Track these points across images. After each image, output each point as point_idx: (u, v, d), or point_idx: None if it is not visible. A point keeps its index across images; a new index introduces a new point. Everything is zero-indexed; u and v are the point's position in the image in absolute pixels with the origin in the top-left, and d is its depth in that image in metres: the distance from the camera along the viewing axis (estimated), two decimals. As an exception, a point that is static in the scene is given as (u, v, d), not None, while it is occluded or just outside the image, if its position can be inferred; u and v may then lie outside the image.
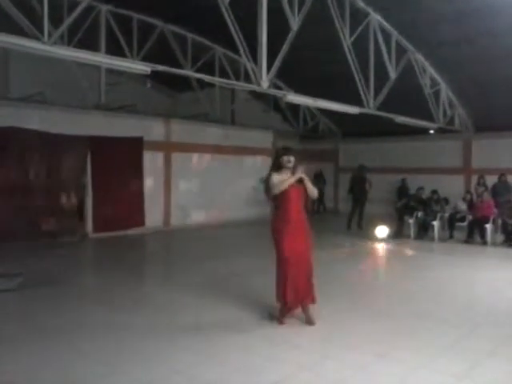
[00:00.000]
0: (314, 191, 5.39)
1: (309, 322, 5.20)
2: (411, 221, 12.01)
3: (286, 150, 5.30)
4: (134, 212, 12.43)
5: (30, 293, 6.51)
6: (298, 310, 5.32)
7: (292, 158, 5.22)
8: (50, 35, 6.38)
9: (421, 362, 4.28)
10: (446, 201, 12.80)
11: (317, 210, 17.77)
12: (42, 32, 6.24)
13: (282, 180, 5.16)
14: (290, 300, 5.17)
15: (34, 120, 10.53)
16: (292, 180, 5.15)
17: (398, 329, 5.17)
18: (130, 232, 12.12)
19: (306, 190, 5.31)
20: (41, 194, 10.73)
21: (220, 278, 7.60)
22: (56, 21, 7.43)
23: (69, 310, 5.81)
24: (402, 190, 15.14)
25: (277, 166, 5.28)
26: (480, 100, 13.63)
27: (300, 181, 5.24)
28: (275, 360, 4.28)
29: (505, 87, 12.47)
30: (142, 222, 12.55)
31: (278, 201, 5.26)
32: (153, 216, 12.87)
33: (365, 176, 13.72)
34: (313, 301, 5.28)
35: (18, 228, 10.27)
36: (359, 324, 5.32)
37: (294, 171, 5.22)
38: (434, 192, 12.61)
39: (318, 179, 17.24)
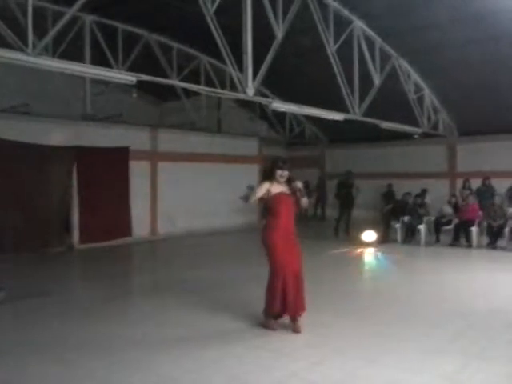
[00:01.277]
0: (306, 202, 5.44)
1: (296, 330, 5.18)
2: (398, 225, 12.11)
3: (282, 164, 5.26)
4: (121, 222, 12.34)
5: (15, 305, 6.43)
6: (285, 318, 5.33)
7: (285, 173, 5.23)
8: (34, 46, 6.37)
9: (409, 365, 4.31)
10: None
11: (313, 215, 17.92)
12: (26, 43, 6.23)
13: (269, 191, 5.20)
14: (279, 310, 5.18)
15: (19, 131, 10.42)
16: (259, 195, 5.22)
17: (385, 333, 5.20)
18: (117, 242, 12.04)
19: (297, 200, 5.34)
20: (26, 205, 10.60)
21: (209, 286, 7.57)
22: (40, 32, 7.43)
23: (55, 322, 5.73)
24: (388, 196, 15.26)
25: (268, 177, 5.28)
26: (463, 105, 13.83)
27: (293, 192, 5.28)
28: (266, 368, 4.28)
29: (487, 92, 12.69)
30: (128, 232, 12.47)
31: (270, 211, 5.27)
32: (140, 225, 12.79)
33: (351, 182, 13.80)
34: (303, 310, 5.28)
35: (3, 240, 10.15)
36: (347, 329, 5.33)
37: (289, 185, 5.27)
38: (418, 196, 12.74)
39: (320, 187, 17.54)
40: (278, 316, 5.30)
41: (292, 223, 5.32)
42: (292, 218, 5.32)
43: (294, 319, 5.24)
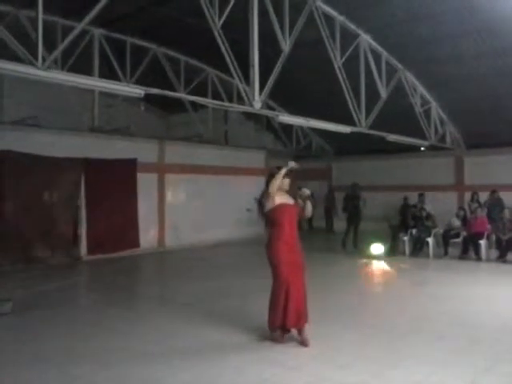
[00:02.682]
0: (310, 211, 5.42)
1: (304, 343, 5.14)
2: (406, 238, 12.04)
3: (288, 173, 5.29)
4: (129, 234, 12.39)
5: (22, 316, 6.45)
6: (293, 331, 5.30)
7: (286, 181, 5.26)
8: (44, 60, 6.44)
9: (416, 379, 4.26)
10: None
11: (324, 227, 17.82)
12: (36, 57, 6.30)
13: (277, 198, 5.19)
14: (280, 323, 5.14)
15: (28, 143, 10.52)
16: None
17: (392, 346, 5.15)
18: (125, 253, 12.06)
19: (301, 209, 5.34)
20: (35, 216, 10.67)
21: (216, 298, 7.55)
22: (50, 45, 7.52)
23: (61, 334, 5.74)
24: (404, 208, 15.13)
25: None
26: (471, 118, 13.82)
27: (297, 200, 5.29)
28: (272, 383, 4.25)
29: (495, 105, 12.68)
30: (136, 244, 12.50)
31: (273, 222, 5.26)
32: (147, 237, 12.84)
33: (358, 194, 13.76)
34: (305, 322, 5.22)
35: (12, 251, 10.21)
36: (353, 342, 5.29)
37: (291, 194, 5.28)
38: (423, 209, 12.69)
39: (329, 199, 17.45)
40: (283, 329, 5.25)
41: (295, 233, 5.30)
42: (295, 228, 5.30)
43: (299, 332, 5.21)
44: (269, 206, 5.25)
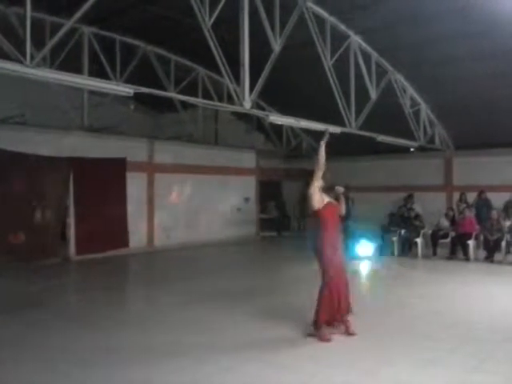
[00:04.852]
0: (344, 209, 5.58)
1: (350, 332, 5.38)
2: (395, 238, 12.10)
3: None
4: (118, 233, 12.31)
5: (11, 317, 6.38)
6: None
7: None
8: (32, 57, 6.37)
9: (407, 378, 4.27)
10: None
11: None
12: (24, 55, 6.23)
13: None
14: (329, 318, 5.34)
15: (15, 142, 10.40)
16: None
17: (382, 345, 5.17)
18: (114, 253, 11.98)
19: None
20: (23, 216, 10.57)
21: (201, 297, 7.53)
22: (39, 43, 7.44)
23: (51, 334, 5.69)
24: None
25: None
26: (460, 119, 13.90)
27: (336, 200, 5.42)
28: None
29: (483, 106, 12.77)
30: (125, 243, 12.42)
31: (323, 222, 5.29)
32: (136, 237, 12.76)
33: (348, 195, 13.75)
34: (350, 311, 5.46)
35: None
36: (341, 342, 5.29)
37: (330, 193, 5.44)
38: (412, 209, 12.78)
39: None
40: (329, 324, 5.39)
41: (339, 233, 5.43)
42: (338, 227, 5.42)
43: (344, 319, 5.40)
44: (317, 204, 5.24)
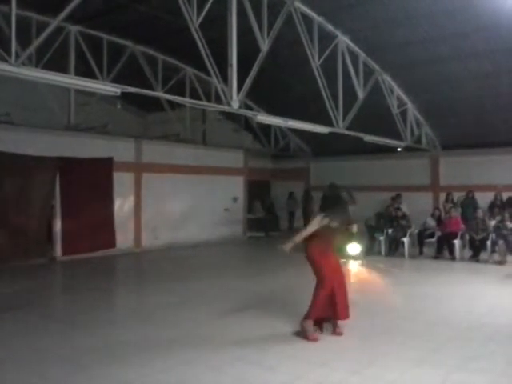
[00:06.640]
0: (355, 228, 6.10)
1: (336, 332, 5.54)
2: (382, 238, 12.18)
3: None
4: (105, 233, 12.22)
5: (-5, 319, 6.32)
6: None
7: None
8: (17, 56, 6.31)
9: (391, 377, 4.30)
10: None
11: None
12: (9, 53, 6.17)
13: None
14: (321, 314, 5.47)
15: (1, 141, 10.29)
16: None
17: (368, 344, 5.20)
18: (101, 254, 11.89)
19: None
20: (8, 216, 10.46)
21: (189, 298, 7.53)
22: (24, 42, 7.37)
23: (36, 335, 5.63)
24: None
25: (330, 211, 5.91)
26: (446, 119, 14.04)
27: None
28: None
29: (470, 107, 12.92)
30: (112, 244, 12.34)
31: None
32: (123, 237, 12.68)
33: (337, 194, 13.78)
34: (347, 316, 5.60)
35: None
36: (329, 342, 5.32)
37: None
38: (399, 209, 12.85)
39: (306, 200, 17.53)
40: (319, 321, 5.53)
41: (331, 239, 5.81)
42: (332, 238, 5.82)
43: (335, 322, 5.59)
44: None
